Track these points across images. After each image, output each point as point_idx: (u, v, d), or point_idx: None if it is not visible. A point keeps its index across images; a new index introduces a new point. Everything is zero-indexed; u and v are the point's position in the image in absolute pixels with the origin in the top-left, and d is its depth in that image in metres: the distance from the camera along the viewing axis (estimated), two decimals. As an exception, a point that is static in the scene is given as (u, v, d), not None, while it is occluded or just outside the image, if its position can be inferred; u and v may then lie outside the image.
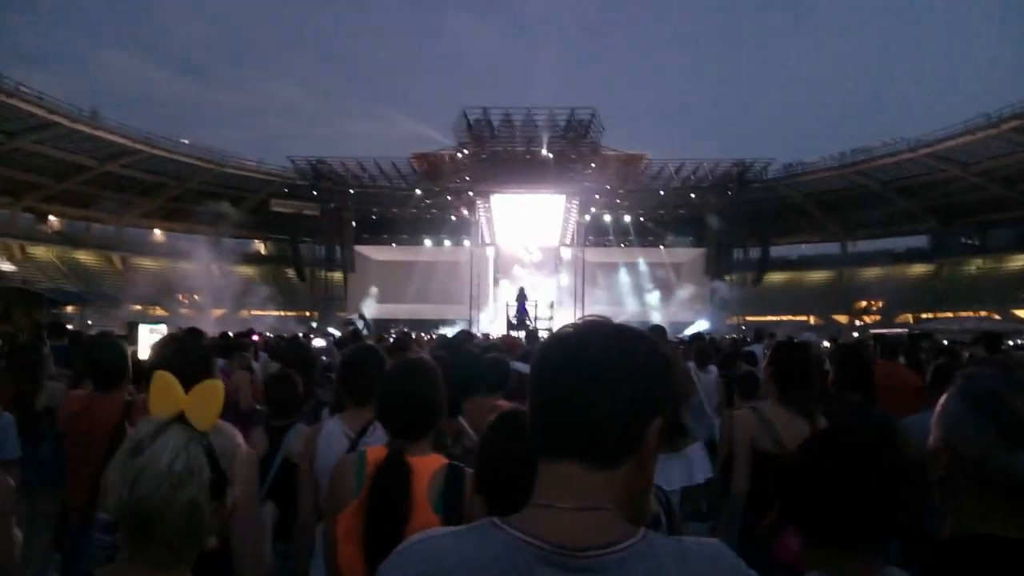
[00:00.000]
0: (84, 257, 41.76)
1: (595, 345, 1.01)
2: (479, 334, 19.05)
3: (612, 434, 0.99)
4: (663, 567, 0.94)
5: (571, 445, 0.99)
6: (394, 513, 2.04)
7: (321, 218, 38.56)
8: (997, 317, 32.28)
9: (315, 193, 38.46)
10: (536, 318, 26.65)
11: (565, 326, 1.11)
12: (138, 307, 37.31)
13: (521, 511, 1.00)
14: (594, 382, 0.98)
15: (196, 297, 38.53)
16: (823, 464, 1.57)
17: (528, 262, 36.78)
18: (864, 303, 43.46)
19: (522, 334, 16.85)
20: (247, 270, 43.12)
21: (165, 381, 1.32)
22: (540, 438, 1.03)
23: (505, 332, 20.71)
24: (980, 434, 1.25)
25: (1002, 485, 1.23)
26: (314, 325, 33.23)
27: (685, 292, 36.39)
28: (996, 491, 1.24)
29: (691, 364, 6.98)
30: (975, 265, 42.90)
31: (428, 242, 38.81)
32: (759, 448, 3.26)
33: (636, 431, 1.00)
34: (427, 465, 2.17)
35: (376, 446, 2.32)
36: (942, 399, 1.37)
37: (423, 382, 2.31)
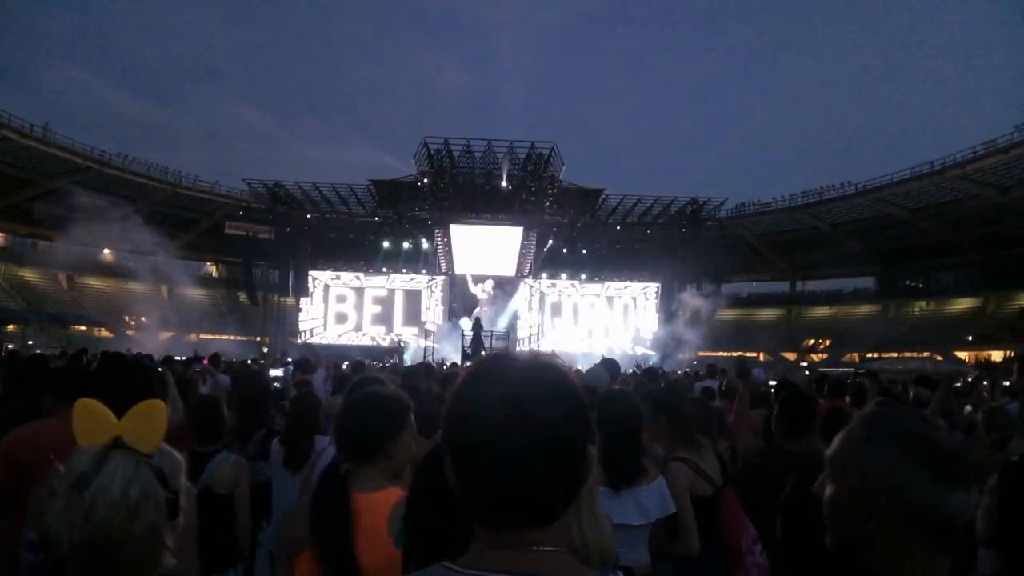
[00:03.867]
0: (29, 275, 40.57)
1: (524, 415, 0.94)
2: (436, 362, 18.95)
3: (556, 501, 0.97)
4: None
5: (517, 520, 0.95)
6: (340, 542, 1.98)
7: (276, 242, 38.15)
8: (939, 358, 33.14)
9: (270, 216, 38.05)
10: (492, 348, 26.62)
11: (474, 381, 1.01)
12: (83, 328, 36.39)
13: (470, 554, 0.97)
14: (535, 458, 0.93)
15: (144, 319, 37.70)
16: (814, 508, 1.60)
17: (483, 296, 36.86)
18: (812, 341, 44.32)
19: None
20: (198, 293, 42.40)
21: (90, 409, 1.26)
22: (482, 513, 0.97)
23: (461, 362, 20.59)
24: (913, 475, 1.23)
25: (933, 525, 1.22)
26: (264, 350, 32.70)
27: (638, 326, 36.73)
28: (931, 532, 1.23)
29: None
30: (919, 307, 44.11)
31: (384, 269, 38.57)
32: (696, 494, 3.23)
33: (576, 486, 0.99)
34: (386, 498, 2.12)
35: None
36: (839, 440, 1.35)
37: (378, 414, 2.27)
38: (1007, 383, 7.64)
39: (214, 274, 48.51)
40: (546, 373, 1.00)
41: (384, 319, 37.43)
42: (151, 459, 1.25)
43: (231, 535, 3.46)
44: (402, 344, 34.11)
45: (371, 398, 2.32)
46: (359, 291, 37.72)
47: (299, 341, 35.16)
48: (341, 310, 37.44)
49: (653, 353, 33.56)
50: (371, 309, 37.53)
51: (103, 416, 1.26)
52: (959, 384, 8.03)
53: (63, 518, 1.19)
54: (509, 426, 0.93)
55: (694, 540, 3.11)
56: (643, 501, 2.83)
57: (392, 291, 37.75)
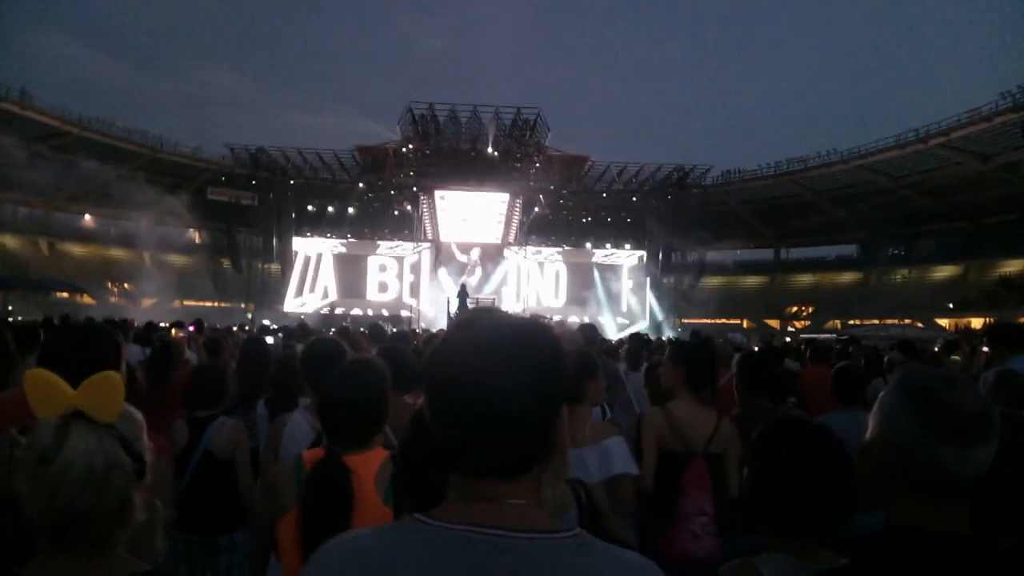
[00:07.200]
0: (9, 242, 40.04)
1: (505, 361, 0.96)
2: (421, 329, 18.92)
3: (532, 448, 0.99)
4: (603, 563, 0.95)
5: (493, 466, 0.98)
6: (333, 518, 1.96)
7: (259, 208, 37.78)
8: (920, 325, 33.47)
9: (253, 182, 37.63)
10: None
11: (459, 330, 1.03)
12: (65, 294, 36.06)
13: (443, 507, 0.99)
14: (513, 403, 0.95)
15: (126, 286, 37.41)
16: (786, 454, 1.65)
17: (469, 264, 36.79)
18: (795, 308, 44.64)
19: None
20: (181, 259, 42.04)
21: (43, 380, 1.24)
22: (459, 459, 0.99)
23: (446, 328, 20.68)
24: (910, 427, 1.27)
25: (928, 478, 1.25)
26: (249, 316, 32.55)
27: (625, 293, 36.82)
28: (924, 484, 1.27)
29: (622, 365, 7.03)
30: (901, 274, 44.44)
31: (369, 236, 38.31)
32: (666, 448, 3.33)
33: (550, 438, 1.00)
34: (370, 460, 2.13)
35: (314, 449, 2.27)
36: (881, 394, 1.39)
37: (369, 387, 2.22)
38: (985, 349, 7.74)
39: (197, 240, 48.00)
40: (529, 329, 1.01)
41: (368, 286, 37.25)
42: (113, 428, 1.24)
43: (235, 498, 3.51)
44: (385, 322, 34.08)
45: (354, 383, 2.23)
46: (343, 257, 37.49)
47: (283, 309, 35.05)
48: (324, 277, 37.24)
49: (640, 322, 33.75)
50: (355, 276, 37.30)
51: (57, 387, 1.24)
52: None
53: (30, 492, 1.19)
54: (482, 373, 0.95)
55: (647, 476, 3.24)
56: (584, 461, 2.86)
57: (376, 257, 37.54)
